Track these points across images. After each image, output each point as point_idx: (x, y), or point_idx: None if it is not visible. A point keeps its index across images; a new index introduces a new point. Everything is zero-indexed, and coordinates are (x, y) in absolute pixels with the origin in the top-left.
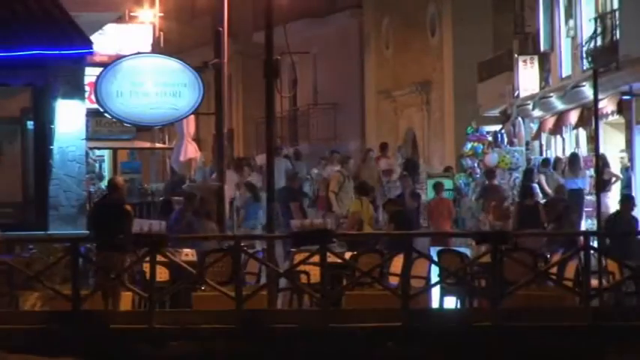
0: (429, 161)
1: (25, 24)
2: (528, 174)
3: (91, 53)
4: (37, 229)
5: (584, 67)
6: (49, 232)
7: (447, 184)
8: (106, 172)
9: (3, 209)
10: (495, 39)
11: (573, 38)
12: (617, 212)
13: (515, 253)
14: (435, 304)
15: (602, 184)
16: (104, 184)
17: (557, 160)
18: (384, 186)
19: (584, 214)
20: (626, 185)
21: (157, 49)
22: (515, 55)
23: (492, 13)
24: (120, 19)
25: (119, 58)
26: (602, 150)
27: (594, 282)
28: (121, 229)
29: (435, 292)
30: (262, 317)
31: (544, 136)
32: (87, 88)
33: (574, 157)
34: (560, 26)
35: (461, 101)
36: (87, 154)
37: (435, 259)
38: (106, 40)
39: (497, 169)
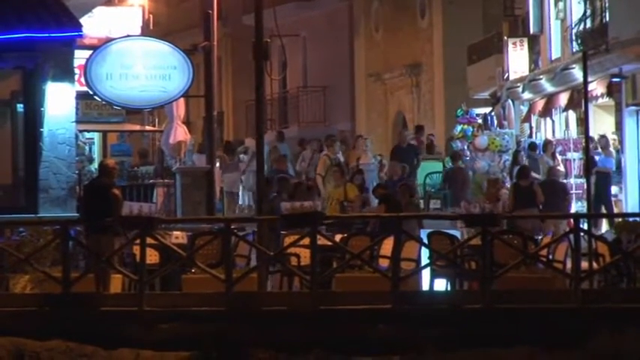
0: None
1: (14, 7)
2: (516, 156)
3: (81, 36)
4: (27, 211)
5: (574, 50)
6: (39, 215)
7: (437, 166)
8: (96, 155)
9: None
10: (485, 21)
11: (563, 20)
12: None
13: (505, 235)
14: (425, 287)
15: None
16: (94, 166)
17: (547, 142)
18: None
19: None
20: (617, 167)
21: (147, 31)
22: (505, 38)
23: None
24: (109, 2)
25: (109, 40)
26: (591, 132)
27: (584, 264)
28: (110, 213)
29: (425, 274)
30: (252, 300)
31: (534, 119)
32: (77, 71)
33: (604, 138)
34: (549, 8)
35: (451, 84)
36: (77, 136)
37: (425, 241)
38: (95, 23)
39: (487, 151)
